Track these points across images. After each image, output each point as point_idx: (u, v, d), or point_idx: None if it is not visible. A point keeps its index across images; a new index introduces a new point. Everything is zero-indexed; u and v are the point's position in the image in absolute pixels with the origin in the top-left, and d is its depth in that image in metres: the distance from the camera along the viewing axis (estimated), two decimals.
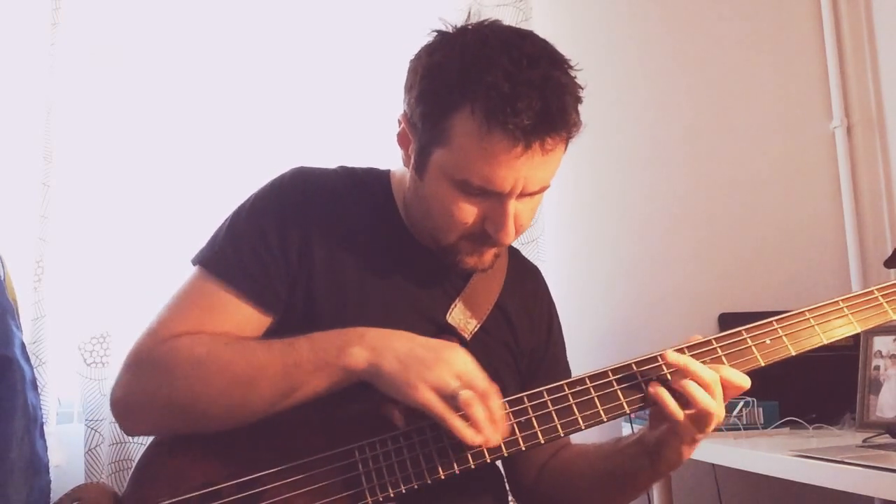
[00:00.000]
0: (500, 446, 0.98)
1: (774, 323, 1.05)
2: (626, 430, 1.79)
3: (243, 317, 1.07)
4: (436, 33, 1.07)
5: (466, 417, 0.93)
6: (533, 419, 0.99)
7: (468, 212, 1.04)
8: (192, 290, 1.09)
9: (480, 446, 0.95)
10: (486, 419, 0.93)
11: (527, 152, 0.97)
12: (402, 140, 1.10)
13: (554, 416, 1.00)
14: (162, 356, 1.02)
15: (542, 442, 0.99)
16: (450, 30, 1.06)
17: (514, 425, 0.99)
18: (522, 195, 1.03)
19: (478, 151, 0.98)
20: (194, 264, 1.12)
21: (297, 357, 0.98)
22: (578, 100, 1.02)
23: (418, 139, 1.05)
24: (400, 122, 1.10)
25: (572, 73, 1.02)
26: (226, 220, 1.13)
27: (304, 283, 1.08)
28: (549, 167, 1.03)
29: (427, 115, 1.02)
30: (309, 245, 1.09)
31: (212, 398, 0.99)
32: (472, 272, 1.15)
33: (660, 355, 1.02)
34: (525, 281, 1.26)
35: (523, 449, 0.99)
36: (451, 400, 0.93)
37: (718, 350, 1.03)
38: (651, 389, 0.99)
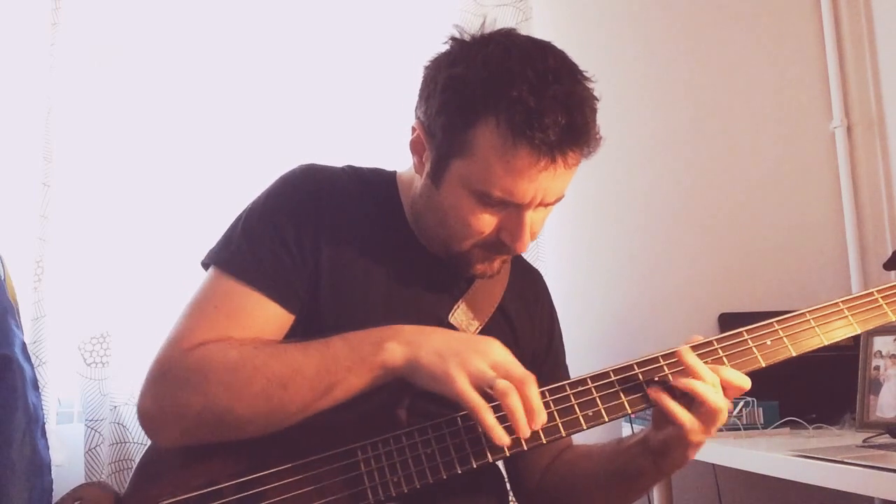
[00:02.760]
0: (501, 447, 0.98)
1: (775, 324, 1.05)
2: (626, 430, 1.79)
3: (268, 317, 1.05)
4: (452, 42, 1.06)
5: (503, 408, 0.92)
6: None
7: (485, 222, 1.04)
8: (212, 293, 1.07)
9: (509, 446, 0.94)
10: (521, 409, 0.92)
11: (550, 166, 0.99)
12: (416, 147, 1.10)
13: (556, 415, 0.99)
14: (193, 364, 1.00)
15: (545, 442, 0.98)
16: (467, 38, 1.06)
17: None
18: (539, 205, 1.04)
19: (501, 164, 0.99)
20: (207, 265, 1.10)
21: (333, 356, 0.97)
22: (595, 112, 1.03)
23: (436, 148, 1.05)
24: (414, 130, 1.09)
25: (590, 86, 1.03)
26: (238, 220, 1.12)
27: (315, 280, 1.08)
28: (568, 179, 1.04)
29: (448, 126, 1.02)
30: (318, 243, 1.09)
31: (248, 403, 0.97)
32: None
33: (660, 356, 1.02)
34: (527, 284, 1.26)
35: (525, 448, 0.98)
36: (489, 390, 0.93)
37: (719, 351, 1.03)
38: (652, 395, 0.98)
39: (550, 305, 1.30)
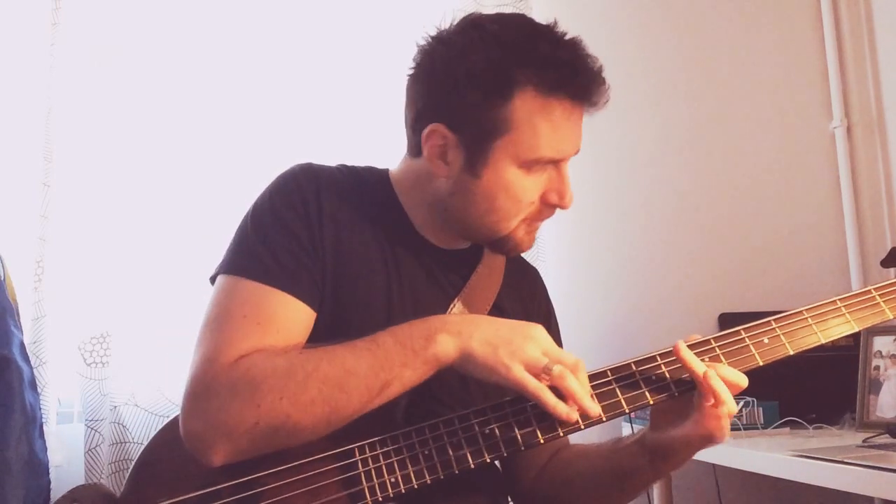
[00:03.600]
0: (499, 445, 0.98)
1: (773, 322, 1.05)
2: (625, 430, 1.79)
3: (299, 318, 1.04)
4: (435, 42, 1.08)
5: (560, 391, 0.95)
6: (532, 418, 0.99)
7: (532, 190, 1.07)
8: (238, 301, 1.03)
9: (577, 422, 0.97)
10: (581, 390, 0.95)
11: (589, 109, 1.06)
12: (438, 152, 1.08)
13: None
14: (239, 377, 0.96)
15: (542, 441, 0.98)
16: (445, 35, 1.08)
17: (513, 423, 0.99)
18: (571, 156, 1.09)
19: (546, 123, 1.03)
20: (223, 275, 1.06)
21: (384, 353, 0.96)
22: None
23: (470, 139, 1.05)
24: (432, 134, 1.07)
25: None
26: (244, 225, 1.09)
27: (324, 276, 1.07)
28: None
29: (484, 112, 1.03)
30: (323, 239, 1.08)
31: (305, 409, 0.94)
32: (474, 271, 1.16)
33: (657, 355, 1.02)
34: (523, 281, 1.26)
35: (522, 448, 0.98)
36: (543, 376, 0.95)
37: (717, 349, 1.03)
38: (709, 409, 0.98)
39: (547, 302, 1.29)
